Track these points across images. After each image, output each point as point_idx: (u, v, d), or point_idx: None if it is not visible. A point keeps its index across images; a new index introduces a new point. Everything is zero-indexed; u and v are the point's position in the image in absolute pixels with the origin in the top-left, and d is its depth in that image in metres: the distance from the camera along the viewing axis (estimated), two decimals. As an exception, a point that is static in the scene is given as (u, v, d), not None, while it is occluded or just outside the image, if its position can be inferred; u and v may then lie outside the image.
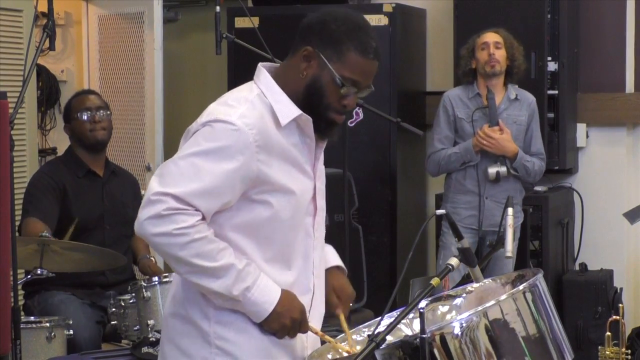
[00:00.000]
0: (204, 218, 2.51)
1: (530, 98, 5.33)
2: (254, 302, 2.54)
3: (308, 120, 2.58)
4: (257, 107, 2.55)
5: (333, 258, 2.84)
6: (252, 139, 2.49)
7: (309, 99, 2.57)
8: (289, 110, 2.56)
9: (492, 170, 5.12)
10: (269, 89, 2.58)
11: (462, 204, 5.23)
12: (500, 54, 5.18)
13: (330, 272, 2.80)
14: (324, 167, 2.75)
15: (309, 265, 2.68)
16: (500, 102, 5.24)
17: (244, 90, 2.62)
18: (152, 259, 4.80)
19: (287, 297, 2.59)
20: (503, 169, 5.13)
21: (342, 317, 2.79)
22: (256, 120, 2.52)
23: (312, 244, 2.68)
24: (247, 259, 2.58)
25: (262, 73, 2.63)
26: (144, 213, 2.49)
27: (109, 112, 4.79)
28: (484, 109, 5.18)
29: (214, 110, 2.56)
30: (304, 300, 2.66)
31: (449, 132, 5.27)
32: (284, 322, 2.57)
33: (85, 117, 4.70)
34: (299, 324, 2.60)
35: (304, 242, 2.66)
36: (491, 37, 5.21)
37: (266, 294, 2.55)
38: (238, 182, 2.51)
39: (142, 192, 5.76)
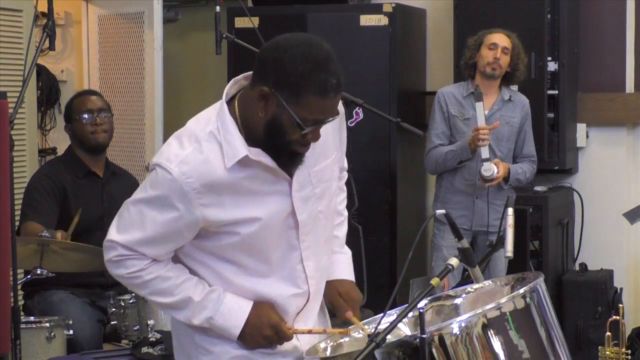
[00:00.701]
0: (154, 260, 2.61)
1: (523, 100, 5.33)
2: (219, 327, 2.63)
3: (256, 159, 2.52)
4: (204, 150, 2.53)
5: (338, 271, 2.84)
6: (189, 187, 2.51)
7: (270, 136, 2.50)
8: (235, 152, 2.52)
9: (487, 173, 5.06)
10: (224, 126, 2.54)
11: (453, 204, 5.22)
12: (505, 60, 5.17)
13: (336, 280, 2.81)
14: (327, 165, 2.69)
15: (297, 274, 2.67)
16: (494, 102, 5.23)
17: (202, 122, 2.60)
18: None
19: (256, 315, 2.63)
20: (496, 170, 5.08)
21: (356, 320, 2.77)
22: (197, 165, 2.51)
23: (299, 255, 2.67)
24: (217, 277, 2.63)
25: (223, 105, 2.57)
26: (104, 254, 2.66)
27: (110, 114, 4.78)
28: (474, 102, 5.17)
29: (167, 148, 2.60)
30: (295, 304, 2.68)
31: (445, 128, 5.27)
32: (257, 340, 2.64)
33: (86, 119, 4.68)
34: (275, 337, 2.65)
35: (286, 254, 2.65)
36: (502, 40, 5.19)
37: (231, 318, 2.62)
38: (183, 228, 2.56)
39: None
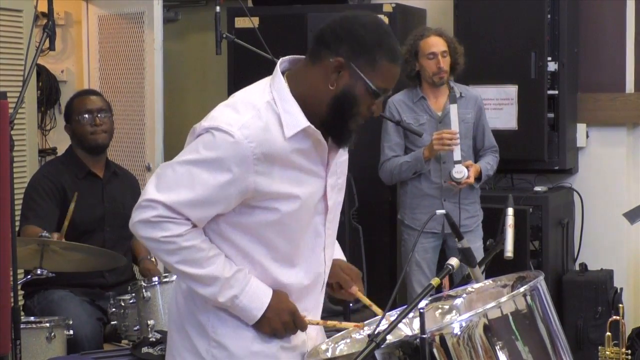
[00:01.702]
0: (194, 226, 2.54)
1: (475, 94, 5.27)
2: (242, 308, 2.59)
3: (315, 132, 2.55)
4: (262, 116, 2.51)
5: (336, 253, 2.85)
6: (249, 152, 2.48)
7: (337, 108, 2.53)
8: (296, 121, 2.52)
9: (458, 175, 4.99)
10: (281, 97, 2.54)
11: (422, 208, 5.16)
12: (447, 62, 5.11)
13: (334, 259, 2.81)
14: (346, 159, 2.73)
15: (318, 263, 2.68)
16: (445, 102, 5.17)
17: (256, 93, 2.57)
18: (153, 260, 4.79)
19: (277, 301, 2.62)
20: (466, 173, 5.05)
21: (360, 294, 2.81)
22: (258, 131, 2.49)
23: (323, 243, 2.68)
24: (244, 259, 2.59)
25: (278, 77, 2.57)
26: (135, 215, 2.54)
27: (110, 114, 4.75)
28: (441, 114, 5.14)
29: (220, 114, 2.53)
30: (312, 295, 2.69)
31: (399, 139, 5.18)
32: (275, 325, 2.61)
33: (86, 120, 4.67)
34: (292, 325, 2.63)
35: (312, 241, 2.66)
36: (438, 45, 5.10)
37: (254, 300, 2.59)
38: (233, 193, 2.51)
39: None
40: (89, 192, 4.68)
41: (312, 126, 2.53)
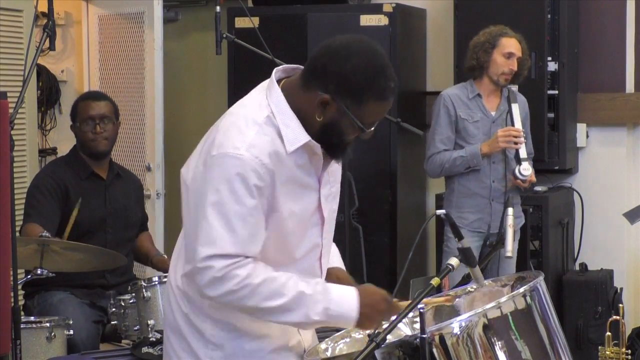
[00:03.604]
0: (255, 259, 2.52)
1: (523, 99, 5.29)
2: (337, 316, 2.55)
3: (316, 146, 2.56)
4: (266, 131, 2.52)
5: (335, 260, 2.84)
6: (262, 170, 2.48)
7: (325, 136, 2.55)
8: (296, 136, 2.53)
9: (527, 172, 5.00)
10: (280, 110, 2.54)
11: (469, 207, 5.17)
12: (516, 67, 5.14)
13: (331, 267, 2.81)
14: (339, 168, 2.73)
15: (313, 273, 2.68)
16: (499, 104, 5.20)
17: (254, 107, 2.57)
18: (165, 256, 4.79)
19: (366, 295, 2.60)
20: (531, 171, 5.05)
21: None
22: (266, 146, 2.50)
23: (319, 253, 2.68)
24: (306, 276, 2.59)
25: (274, 89, 2.57)
26: (199, 280, 2.51)
27: (114, 120, 4.71)
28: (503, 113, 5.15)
29: (226, 138, 2.52)
30: None
31: (451, 133, 5.18)
32: (374, 317, 2.58)
33: (87, 126, 4.66)
34: (388, 309, 2.59)
35: (308, 252, 2.66)
36: (517, 48, 5.12)
37: (344, 304, 2.56)
38: (262, 214, 2.51)
39: (147, 192, 5.77)
40: (92, 193, 4.67)
41: (312, 140, 2.54)
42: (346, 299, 2.56)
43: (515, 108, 5.07)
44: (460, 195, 5.21)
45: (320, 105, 2.51)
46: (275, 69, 2.62)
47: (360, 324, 2.57)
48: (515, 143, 5.01)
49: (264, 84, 2.63)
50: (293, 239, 2.59)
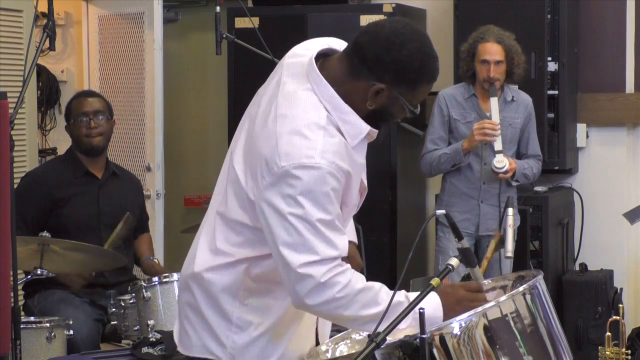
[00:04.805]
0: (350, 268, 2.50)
1: (527, 99, 5.29)
2: (431, 317, 2.48)
3: (374, 132, 2.57)
4: (332, 132, 2.49)
5: (349, 232, 2.83)
6: (339, 174, 2.47)
7: (373, 120, 2.55)
8: (358, 129, 2.53)
9: (500, 165, 4.98)
10: (335, 107, 2.51)
11: (457, 207, 5.17)
12: (501, 70, 5.08)
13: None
14: None
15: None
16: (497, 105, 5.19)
17: (310, 109, 2.50)
18: (156, 260, 4.80)
19: (444, 292, 2.57)
20: (508, 163, 5.03)
21: None
22: (337, 148, 2.47)
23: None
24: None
25: (322, 84, 2.52)
26: (301, 288, 2.45)
27: (108, 116, 4.71)
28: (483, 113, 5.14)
29: (292, 147, 2.44)
30: None
31: (443, 133, 5.20)
32: (465, 305, 2.54)
33: (81, 122, 4.66)
34: (470, 293, 2.57)
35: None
36: (494, 52, 5.06)
37: (428, 304, 2.49)
38: (341, 214, 2.52)
39: (147, 192, 5.77)
40: (85, 192, 4.66)
41: (372, 128, 2.55)
42: (427, 300, 2.50)
43: (494, 102, 5.05)
44: (450, 195, 5.23)
45: (374, 93, 2.50)
46: (311, 56, 2.57)
47: (450, 317, 2.52)
48: (492, 136, 4.98)
49: (302, 71, 2.57)
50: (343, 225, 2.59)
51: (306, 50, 2.63)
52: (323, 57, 2.59)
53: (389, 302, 2.44)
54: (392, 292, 2.50)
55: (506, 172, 5.00)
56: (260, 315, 2.62)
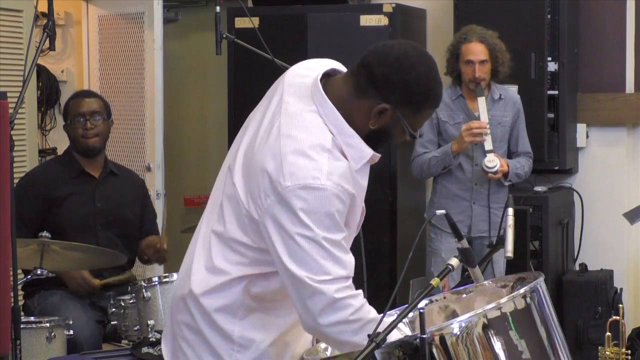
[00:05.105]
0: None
1: (514, 97, 5.26)
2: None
3: (376, 157, 2.58)
4: (337, 156, 2.49)
5: None
6: (344, 196, 2.47)
7: (373, 140, 2.56)
8: (361, 154, 2.54)
9: (491, 164, 4.96)
10: (340, 130, 2.51)
11: (449, 209, 5.13)
12: (485, 69, 5.07)
13: None
14: None
15: None
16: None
17: (315, 131, 2.49)
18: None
19: None
20: (499, 162, 5.03)
21: None
22: (342, 171, 2.47)
23: None
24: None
25: (327, 107, 2.52)
26: (313, 305, 2.44)
27: (105, 116, 4.70)
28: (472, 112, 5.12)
29: (297, 168, 2.44)
30: None
31: (432, 136, 5.18)
32: None
33: (78, 123, 4.65)
34: None
35: None
36: (477, 52, 5.05)
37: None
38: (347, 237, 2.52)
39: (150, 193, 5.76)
40: (81, 192, 4.66)
41: (375, 153, 2.56)
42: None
43: (481, 102, 5.03)
44: (442, 197, 5.21)
45: (378, 114, 2.51)
46: (316, 77, 2.56)
47: None
48: (481, 136, 4.96)
49: (307, 93, 2.55)
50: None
51: (309, 70, 2.62)
52: (326, 77, 2.59)
53: (385, 311, 2.44)
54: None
55: (496, 172, 4.99)
56: (263, 332, 2.62)
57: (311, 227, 2.42)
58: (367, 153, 2.55)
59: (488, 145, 4.99)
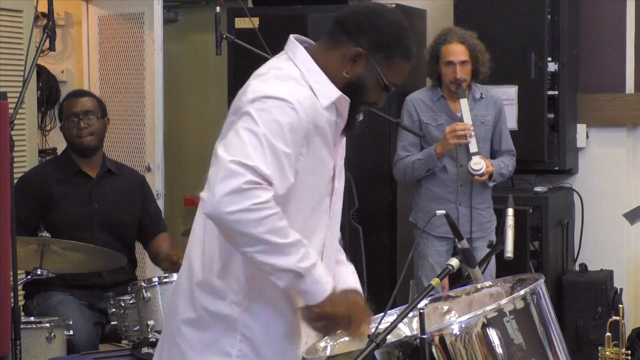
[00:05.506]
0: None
1: (495, 96, 5.22)
2: (317, 279, 2.47)
3: (346, 100, 2.60)
4: (303, 84, 2.55)
5: (351, 279, 2.84)
6: (301, 113, 2.48)
7: (349, 93, 2.60)
8: (329, 91, 2.57)
9: (477, 167, 4.92)
10: (309, 69, 2.58)
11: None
12: (466, 70, 5.05)
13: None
14: (343, 144, 2.73)
15: (319, 245, 2.66)
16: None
17: (283, 67, 2.59)
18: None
19: (348, 290, 2.60)
20: (485, 164, 4.99)
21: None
22: (306, 96, 2.52)
23: (326, 223, 2.68)
24: None
25: (300, 51, 2.61)
26: (221, 188, 2.39)
27: (99, 115, 4.67)
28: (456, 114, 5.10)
29: (264, 86, 2.51)
30: None
31: (414, 138, 5.12)
32: (339, 309, 2.52)
33: (72, 123, 4.64)
34: (358, 311, 2.55)
35: (323, 222, 2.66)
36: (458, 53, 5.03)
37: (326, 275, 2.52)
38: (294, 162, 2.48)
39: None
40: (77, 192, 4.64)
41: (344, 95, 2.58)
42: (328, 273, 2.55)
43: (464, 103, 5.00)
44: (427, 200, 5.16)
45: (350, 59, 2.57)
46: (293, 36, 2.65)
47: (325, 304, 2.49)
48: (466, 137, 4.94)
49: (282, 53, 2.65)
50: (312, 202, 2.60)
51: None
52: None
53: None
54: (302, 240, 2.47)
55: (482, 174, 4.97)
56: (266, 322, 2.62)
57: (257, 123, 2.45)
58: (334, 93, 2.58)
59: (473, 147, 4.96)
